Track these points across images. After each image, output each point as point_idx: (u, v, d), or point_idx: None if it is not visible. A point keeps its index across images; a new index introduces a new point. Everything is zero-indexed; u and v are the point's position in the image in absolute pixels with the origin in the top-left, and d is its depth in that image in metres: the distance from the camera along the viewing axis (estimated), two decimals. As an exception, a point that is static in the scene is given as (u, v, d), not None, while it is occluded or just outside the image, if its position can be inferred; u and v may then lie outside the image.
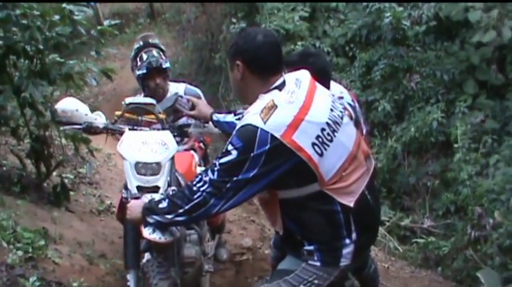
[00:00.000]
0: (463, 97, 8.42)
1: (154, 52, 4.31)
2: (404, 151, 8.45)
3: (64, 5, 5.14)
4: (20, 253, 3.58)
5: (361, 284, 3.90)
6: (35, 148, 5.45)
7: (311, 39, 10.29)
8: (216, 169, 2.53)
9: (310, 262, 2.62)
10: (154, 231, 2.88)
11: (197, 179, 2.60)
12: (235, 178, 2.48)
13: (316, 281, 2.62)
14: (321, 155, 2.50)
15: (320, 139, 2.52)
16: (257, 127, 2.46)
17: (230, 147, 2.50)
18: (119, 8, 21.11)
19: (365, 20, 9.96)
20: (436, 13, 9.09)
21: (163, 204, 2.69)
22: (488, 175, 6.70)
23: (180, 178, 3.63)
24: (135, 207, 2.88)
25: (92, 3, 5.78)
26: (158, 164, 3.23)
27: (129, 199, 3.17)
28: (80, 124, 3.47)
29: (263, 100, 2.56)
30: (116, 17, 17.55)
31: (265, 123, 2.46)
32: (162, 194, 3.17)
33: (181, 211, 2.62)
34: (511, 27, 7.85)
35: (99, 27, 5.49)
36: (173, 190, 3.26)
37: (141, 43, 4.36)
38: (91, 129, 3.50)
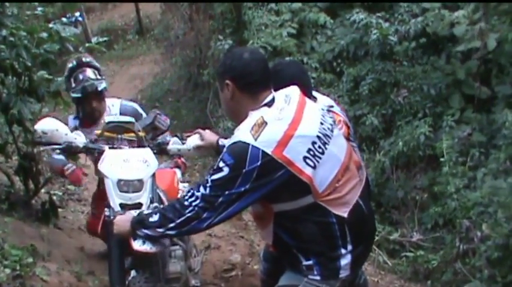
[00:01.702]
0: (450, 111, 8.49)
1: (89, 73, 4.29)
2: (393, 165, 8.47)
3: (51, 24, 5.16)
4: (7, 270, 3.56)
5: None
6: (23, 165, 5.43)
7: (299, 55, 10.35)
8: (208, 185, 2.56)
9: (310, 276, 2.65)
10: (144, 242, 2.90)
11: (189, 194, 2.62)
12: (227, 192, 2.51)
13: None
14: (313, 167, 2.53)
15: (311, 152, 2.55)
16: (248, 144, 2.49)
17: (222, 164, 2.53)
18: (108, 24, 21.17)
19: (352, 36, 10.03)
20: (423, 28, 9.18)
21: (154, 218, 2.71)
22: (475, 187, 6.73)
23: (161, 194, 3.69)
24: (122, 221, 2.90)
25: (80, 19, 5.80)
26: (140, 181, 3.29)
27: (112, 217, 3.20)
28: (60, 144, 3.46)
29: (252, 117, 2.60)
30: (104, 33, 17.53)
31: (255, 139, 2.49)
32: (144, 211, 3.18)
33: (172, 224, 2.64)
34: (496, 39, 7.95)
35: (87, 44, 5.52)
36: (155, 207, 3.28)
37: (74, 63, 4.32)
38: (71, 149, 3.51)
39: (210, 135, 3.56)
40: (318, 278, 2.64)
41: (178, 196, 4.11)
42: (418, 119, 8.63)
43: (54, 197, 5.83)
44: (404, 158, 8.49)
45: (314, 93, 3.48)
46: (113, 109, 4.42)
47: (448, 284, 6.11)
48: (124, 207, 3.23)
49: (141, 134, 3.64)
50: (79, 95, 4.23)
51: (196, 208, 2.57)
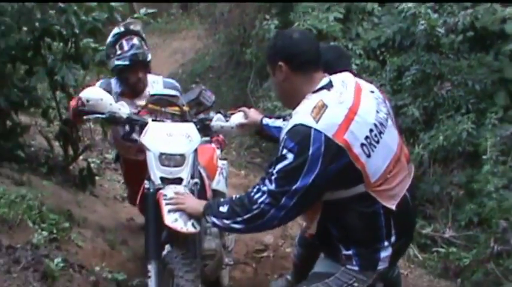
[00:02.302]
0: (494, 108, 8.30)
1: (136, 41, 4.10)
2: (431, 158, 8.35)
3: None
4: (44, 233, 3.60)
5: (384, 287, 3.89)
6: (63, 131, 5.50)
7: (343, 41, 10.24)
8: (273, 177, 2.49)
9: (348, 266, 2.63)
10: (176, 220, 2.91)
11: (255, 190, 2.57)
12: (294, 186, 2.44)
13: (355, 284, 2.63)
14: (368, 155, 2.49)
15: (368, 140, 2.51)
16: (310, 127, 2.44)
17: (285, 151, 2.47)
18: (153, -3, 21.20)
19: (399, 25, 9.86)
20: (472, 22, 8.98)
21: (224, 208, 2.69)
22: (515, 188, 6.61)
23: (202, 171, 3.65)
24: (196, 203, 2.95)
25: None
26: (182, 155, 3.24)
27: (151, 190, 3.20)
28: (103, 113, 3.41)
29: (311, 100, 2.55)
30: (148, 6, 17.56)
31: (317, 122, 2.44)
32: (185, 186, 3.19)
33: (239, 219, 2.61)
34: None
35: (135, 15, 5.51)
36: (196, 182, 3.28)
37: (122, 29, 4.15)
38: (114, 119, 3.45)
39: (254, 114, 3.50)
40: (356, 268, 2.62)
41: (217, 173, 4.11)
42: (461, 115, 8.45)
43: (92, 165, 5.88)
44: (443, 152, 8.35)
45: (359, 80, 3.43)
46: (156, 85, 4.26)
47: (479, 285, 6.00)
48: (164, 181, 3.20)
49: (185, 108, 3.60)
50: (126, 62, 4.02)
51: (262, 205, 2.51)
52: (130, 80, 4.10)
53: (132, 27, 4.16)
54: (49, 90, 5.67)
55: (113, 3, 5.19)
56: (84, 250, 3.96)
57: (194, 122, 3.52)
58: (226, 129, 3.60)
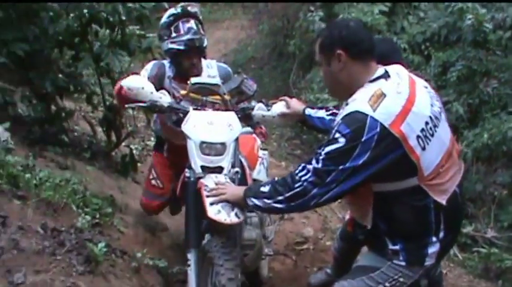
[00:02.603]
0: (541, 108, 8.14)
1: (193, 24, 3.92)
2: (474, 156, 8.21)
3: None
4: (88, 217, 3.64)
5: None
6: (107, 117, 5.55)
7: (388, 34, 10.11)
8: (321, 157, 2.49)
9: (395, 261, 2.60)
10: (219, 212, 2.91)
11: (300, 168, 2.57)
12: (341, 167, 2.43)
13: (401, 279, 2.61)
14: (423, 148, 2.46)
15: (424, 133, 2.48)
16: (367, 114, 2.42)
17: (337, 135, 2.45)
18: (197, -14, 21.24)
19: (446, 20, 9.69)
20: (522, 17, 8.79)
21: (266, 188, 2.70)
22: (561, 191, 6.46)
23: (243, 160, 3.65)
24: (233, 189, 2.98)
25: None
26: (223, 144, 3.24)
27: (192, 179, 3.20)
28: (145, 102, 3.42)
29: (369, 88, 2.53)
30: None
31: (374, 110, 2.42)
32: (225, 175, 3.19)
33: (280, 198, 2.61)
34: None
35: (181, 4, 5.52)
36: (236, 172, 3.27)
37: (179, 10, 3.97)
38: (155, 107, 3.45)
39: (296, 104, 3.49)
40: (402, 263, 2.59)
41: (258, 163, 4.10)
42: (507, 113, 8.28)
43: (134, 152, 5.92)
44: (487, 151, 8.18)
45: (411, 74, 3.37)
46: (211, 71, 4.12)
47: (521, 287, 5.91)
48: (205, 169, 3.21)
49: (227, 97, 3.59)
50: (181, 47, 3.88)
51: (305, 183, 2.51)
52: (183, 65, 3.97)
53: (190, 8, 4.00)
54: (94, 76, 5.73)
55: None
56: (126, 235, 3.99)
57: (235, 111, 3.51)
58: (268, 118, 3.58)
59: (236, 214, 2.95)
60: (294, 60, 11.71)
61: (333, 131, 2.49)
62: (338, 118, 2.55)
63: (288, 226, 5.45)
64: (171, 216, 4.84)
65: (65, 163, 4.82)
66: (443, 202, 2.54)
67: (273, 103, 3.61)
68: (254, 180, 3.87)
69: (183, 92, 3.62)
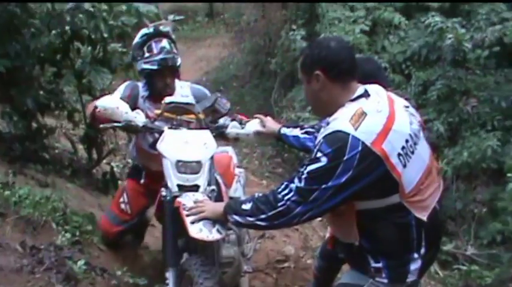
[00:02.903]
0: (520, 126, 8.24)
1: (166, 43, 3.89)
2: (454, 174, 8.28)
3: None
4: (68, 235, 3.63)
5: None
6: (88, 134, 5.54)
7: (369, 53, 10.20)
8: (303, 176, 2.48)
9: (377, 279, 2.60)
10: (201, 230, 2.91)
11: (282, 187, 2.56)
12: (324, 185, 2.43)
13: None
14: (404, 166, 2.47)
15: (404, 150, 2.49)
16: (348, 133, 2.42)
17: (319, 154, 2.45)
18: (179, 4, 21.31)
19: (426, 39, 9.79)
20: (500, 38, 8.90)
21: (247, 206, 2.68)
22: (540, 208, 6.53)
23: (218, 178, 3.66)
24: (212, 206, 2.98)
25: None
26: (199, 163, 3.26)
27: (168, 198, 3.21)
28: (120, 122, 3.42)
29: (350, 107, 2.53)
30: (175, 13, 17.67)
31: (356, 129, 2.42)
32: (202, 193, 3.20)
33: (263, 216, 2.59)
34: None
35: (153, 23, 5.53)
36: (212, 189, 3.29)
37: (152, 30, 3.94)
38: (130, 127, 3.45)
39: (271, 123, 3.52)
40: (385, 281, 2.59)
41: (234, 180, 4.11)
42: (486, 131, 8.38)
43: (115, 169, 5.91)
44: (467, 169, 8.26)
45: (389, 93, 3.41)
46: (182, 91, 4.06)
47: (501, 304, 5.94)
48: (181, 188, 3.21)
49: (201, 116, 3.59)
50: (154, 67, 3.82)
51: (288, 202, 2.50)
52: (157, 85, 3.91)
53: (162, 28, 3.97)
54: (75, 93, 5.72)
55: (141, 9, 5.19)
56: (106, 253, 3.98)
57: (210, 130, 3.53)
58: (242, 136, 3.62)
59: (218, 230, 2.94)
60: (276, 79, 11.76)
61: (315, 150, 2.49)
62: (320, 137, 2.54)
63: (269, 244, 5.44)
64: (153, 234, 4.83)
65: (45, 180, 4.79)
66: (424, 219, 2.55)
67: (247, 121, 3.64)
68: (231, 198, 3.85)
69: (157, 111, 3.59)
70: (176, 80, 4.05)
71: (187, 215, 2.98)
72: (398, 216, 2.53)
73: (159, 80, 3.90)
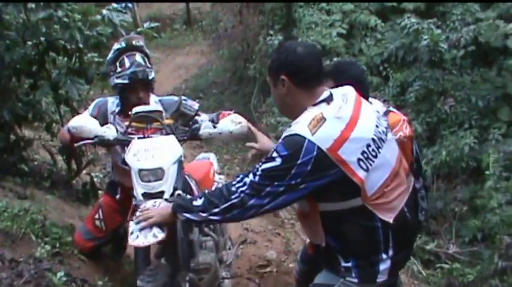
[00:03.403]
0: (497, 124, 8.35)
1: (138, 58, 3.82)
2: (434, 174, 8.35)
3: (104, 11, 5.18)
4: (47, 247, 3.60)
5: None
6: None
7: (347, 56, 10.27)
8: (257, 173, 2.52)
9: (348, 278, 2.63)
10: (137, 237, 2.92)
11: (237, 179, 2.60)
12: (276, 183, 2.47)
13: None
14: (366, 170, 2.49)
15: (365, 155, 2.51)
16: (304, 137, 2.45)
17: (275, 154, 2.49)
18: (156, 12, 21.26)
19: (402, 41, 9.90)
20: (475, 37, 9.01)
21: (198, 202, 2.68)
22: (519, 204, 6.60)
23: (192, 184, 3.71)
24: (159, 210, 2.94)
25: (130, 6, 5.77)
26: (161, 169, 3.24)
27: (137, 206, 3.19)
28: (92, 139, 3.45)
29: (311, 112, 2.55)
30: (152, 21, 17.59)
31: (312, 134, 2.45)
32: (166, 199, 3.17)
33: (216, 210, 2.61)
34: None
35: (138, 29, 5.53)
36: (178, 194, 3.25)
37: (123, 44, 3.86)
38: (103, 142, 3.48)
39: (267, 141, 3.31)
40: (355, 280, 2.61)
41: (213, 187, 4.07)
42: (464, 130, 8.50)
43: (95, 179, 5.88)
44: (446, 168, 8.36)
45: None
46: (156, 105, 3.95)
47: (483, 301, 5.99)
48: (147, 196, 3.20)
49: (167, 122, 3.58)
50: (125, 81, 3.76)
51: (242, 194, 2.54)
52: (130, 100, 3.82)
53: (134, 42, 3.90)
54: (53, 104, 5.69)
55: (115, 19, 5.17)
56: (87, 264, 3.95)
57: (178, 134, 3.51)
58: (215, 135, 3.58)
59: (154, 234, 2.93)
60: (255, 84, 11.79)
61: (272, 150, 2.54)
62: (282, 137, 2.58)
63: (251, 249, 5.45)
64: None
65: (24, 192, 4.76)
66: (390, 221, 2.58)
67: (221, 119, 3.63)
68: None
69: (126, 123, 3.62)
70: (152, 95, 3.99)
71: (137, 223, 2.96)
72: (363, 218, 2.56)
73: (132, 94, 3.83)
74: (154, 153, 3.30)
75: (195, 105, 3.66)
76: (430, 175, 8.30)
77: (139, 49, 3.89)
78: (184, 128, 3.65)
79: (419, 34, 9.32)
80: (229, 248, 4.25)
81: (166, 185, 3.23)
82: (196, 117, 3.67)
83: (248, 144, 3.44)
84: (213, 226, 3.92)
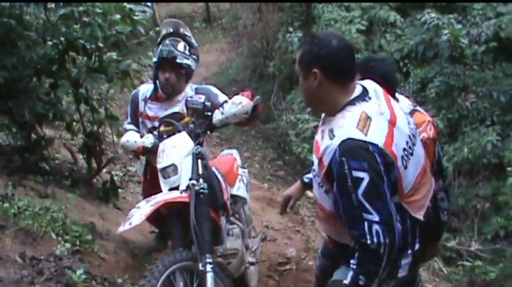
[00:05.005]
0: (520, 120, 8.23)
1: (179, 45, 4.05)
2: (456, 171, 8.26)
3: (125, 4, 5.21)
4: (68, 245, 3.64)
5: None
6: (87, 144, 5.54)
7: (366, 53, 10.18)
8: (365, 206, 2.37)
9: None
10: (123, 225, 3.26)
11: (368, 237, 2.40)
12: (382, 202, 2.37)
13: None
14: (405, 167, 2.48)
15: (405, 152, 2.50)
16: (363, 141, 2.38)
17: (355, 173, 2.36)
18: (176, 10, 21.31)
19: (422, 37, 9.79)
20: (496, 32, 8.89)
21: (362, 280, 2.48)
22: (542, 201, 6.52)
23: (219, 176, 3.89)
24: None
25: (149, 4, 5.79)
26: (173, 165, 3.58)
27: None
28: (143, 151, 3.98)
29: (353, 113, 2.48)
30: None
31: (366, 135, 2.40)
32: (182, 191, 3.45)
33: (381, 270, 2.45)
34: None
35: (157, 28, 5.54)
36: (193, 184, 3.43)
37: (171, 30, 4.11)
38: (147, 150, 3.93)
39: (294, 189, 3.40)
40: None
41: (237, 179, 4.26)
42: (486, 126, 8.38)
43: (115, 178, 5.92)
44: (468, 165, 8.26)
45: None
46: (190, 92, 4.16)
47: (506, 299, 5.93)
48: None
49: (186, 120, 3.88)
50: (155, 59, 4.06)
51: (386, 240, 2.37)
52: (160, 80, 4.10)
53: (181, 29, 4.14)
54: (73, 103, 5.73)
55: (136, 17, 5.20)
56: (107, 262, 3.98)
57: (192, 129, 3.73)
58: (224, 120, 3.74)
59: (130, 223, 3.22)
60: (274, 82, 11.74)
61: (346, 171, 2.37)
62: (329, 148, 2.46)
63: (271, 247, 5.45)
64: (153, 240, 4.84)
65: (45, 191, 4.80)
66: (421, 218, 2.56)
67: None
68: (235, 196, 4.14)
69: (157, 105, 4.18)
70: (188, 84, 4.23)
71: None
72: (398, 216, 2.49)
73: (161, 74, 4.08)
74: (168, 152, 3.64)
75: (201, 98, 3.77)
76: (451, 171, 8.20)
77: (184, 37, 4.13)
78: (200, 121, 3.82)
79: (440, 29, 9.21)
80: (254, 237, 4.45)
81: (182, 179, 3.52)
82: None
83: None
84: (238, 215, 4.17)
